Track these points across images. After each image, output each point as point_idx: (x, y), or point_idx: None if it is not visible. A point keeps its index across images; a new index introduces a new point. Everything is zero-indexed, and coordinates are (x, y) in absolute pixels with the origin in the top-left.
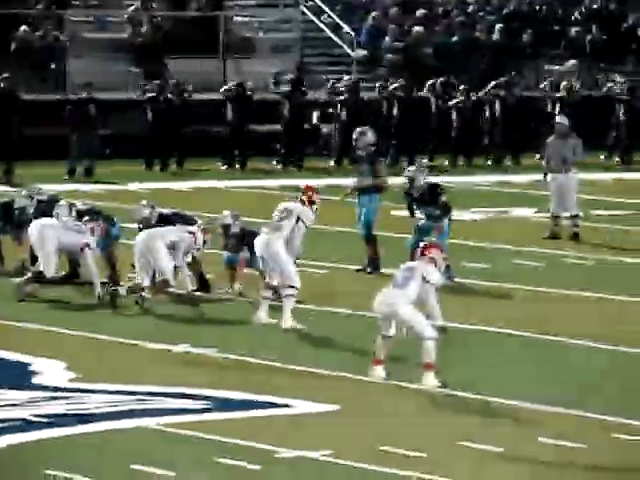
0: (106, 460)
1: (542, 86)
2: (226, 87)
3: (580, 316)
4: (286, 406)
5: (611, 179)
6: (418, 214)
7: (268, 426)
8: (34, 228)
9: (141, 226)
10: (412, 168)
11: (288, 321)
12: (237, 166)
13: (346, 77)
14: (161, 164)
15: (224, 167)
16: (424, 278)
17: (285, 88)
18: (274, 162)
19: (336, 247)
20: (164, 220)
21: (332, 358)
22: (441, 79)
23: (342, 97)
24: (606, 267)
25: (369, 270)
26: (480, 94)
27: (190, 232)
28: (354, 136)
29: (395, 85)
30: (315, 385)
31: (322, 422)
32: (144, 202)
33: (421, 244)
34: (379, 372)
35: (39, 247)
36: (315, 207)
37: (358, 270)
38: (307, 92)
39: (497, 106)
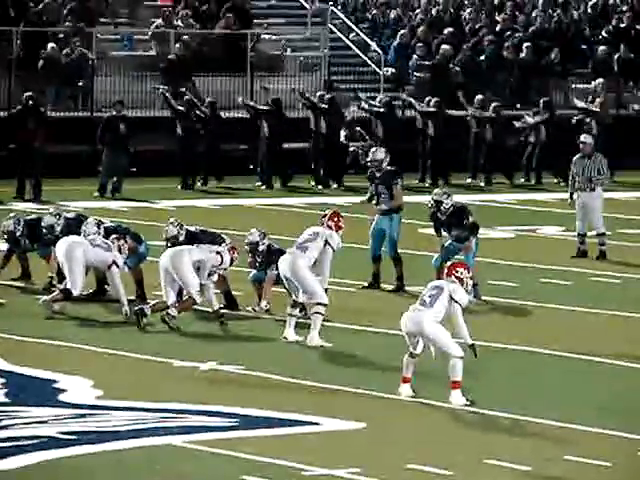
0: (132, 478)
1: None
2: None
3: (607, 335)
4: (313, 424)
5: (636, 197)
6: (445, 234)
7: (295, 444)
8: (61, 245)
9: (169, 244)
10: (438, 191)
11: (315, 339)
12: (262, 185)
13: (380, 96)
14: (191, 181)
15: (259, 184)
16: (451, 297)
17: (323, 105)
18: (312, 182)
19: (350, 263)
20: (192, 238)
21: (358, 376)
22: (479, 96)
23: (379, 113)
24: (634, 286)
25: (394, 288)
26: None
27: (217, 252)
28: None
29: (430, 106)
30: (342, 403)
31: (349, 440)
32: (172, 220)
33: (448, 263)
34: (406, 390)
35: (66, 264)
36: (341, 232)
37: (364, 287)
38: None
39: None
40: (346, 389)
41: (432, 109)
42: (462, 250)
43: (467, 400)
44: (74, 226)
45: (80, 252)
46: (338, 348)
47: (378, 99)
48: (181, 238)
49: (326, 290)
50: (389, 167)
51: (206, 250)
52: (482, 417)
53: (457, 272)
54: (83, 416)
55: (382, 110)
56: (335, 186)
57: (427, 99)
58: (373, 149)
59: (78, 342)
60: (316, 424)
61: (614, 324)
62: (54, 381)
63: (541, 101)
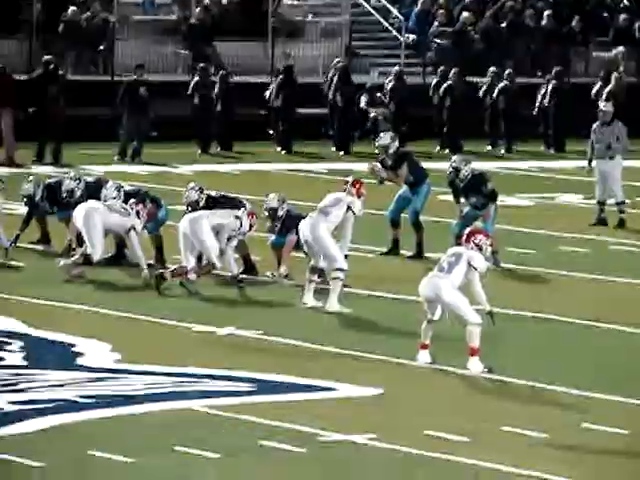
0: (150, 441)
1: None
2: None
3: (626, 303)
4: (330, 389)
5: None
6: (463, 201)
7: (312, 409)
8: (80, 211)
9: (189, 209)
10: (457, 158)
11: (334, 304)
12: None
13: (395, 68)
14: (206, 146)
15: (279, 149)
16: (469, 264)
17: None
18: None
19: (372, 231)
20: (212, 202)
21: (377, 342)
22: (492, 68)
23: (390, 85)
24: None
25: (413, 255)
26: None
27: (236, 216)
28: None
29: (451, 72)
30: (359, 368)
31: (366, 406)
32: (192, 184)
33: (467, 230)
34: (425, 356)
35: (85, 229)
36: (363, 199)
37: (383, 253)
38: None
39: (547, 92)
40: (363, 355)
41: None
42: (481, 217)
43: (485, 367)
44: (94, 190)
45: (98, 218)
46: (357, 314)
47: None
48: (201, 203)
49: (346, 256)
50: (398, 149)
51: (225, 215)
52: (500, 384)
53: (476, 239)
54: (101, 380)
55: (392, 83)
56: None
57: (441, 69)
58: (381, 134)
59: (96, 306)
60: (333, 389)
61: (632, 292)
62: (72, 345)
63: (554, 69)
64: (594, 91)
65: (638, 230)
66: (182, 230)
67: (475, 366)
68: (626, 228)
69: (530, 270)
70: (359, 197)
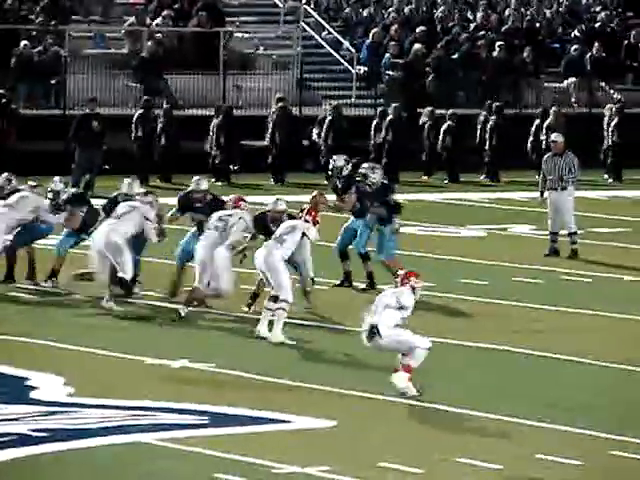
0: (103, 475)
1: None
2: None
3: (576, 333)
4: (284, 421)
5: (606, 196)
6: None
7: (266, 441)
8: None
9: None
10: (366, 164)
11: (278, 335)
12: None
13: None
14: (145, 178)
15: (214, 181)
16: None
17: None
18: (271, 180)
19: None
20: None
21: (330, 373)
22: (427, 109)
23: (328, 118)
24: (605, 284)
25: (365, 287)
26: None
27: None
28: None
29: (392, 107)
30: (313, 400)
31: (320, 438)
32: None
33: (401, 273)
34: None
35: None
36: (318, 226)
37: (335, 285)
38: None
39: (490, 124)
40: (317, 387)
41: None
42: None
43: (418, 389)
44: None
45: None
46: (309, 346)
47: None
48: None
49: (313, 280)
50: (351, 174)
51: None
52: (454, 416)
53: (410, 280)
54: (54, 413)
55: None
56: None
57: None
58: (334, 157)
59: (49, 339)
60: (287, 422)
61: (584, 323)
62: (26, 378)
63: (491, 103)
64: (533, 128)
65: (590, 260)
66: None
67: (400, 381)
68: (578, 258)
69: (482, 301)
70: (315, 224)
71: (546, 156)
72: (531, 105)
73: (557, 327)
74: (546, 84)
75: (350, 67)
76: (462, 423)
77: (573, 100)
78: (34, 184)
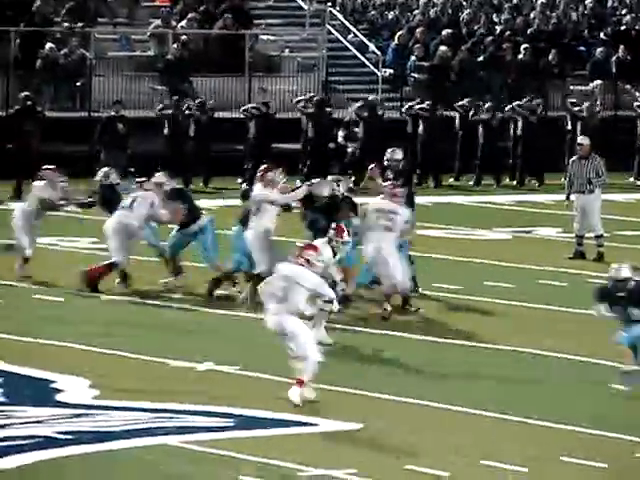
0: (128, 478)
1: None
2: (244, 107)
3: (602, 336)
4: (310, 424)
5: (635, 199)
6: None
7: (291, 444)
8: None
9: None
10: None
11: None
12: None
13: (370, 96)
14: (184, 183)
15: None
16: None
17: (310, 109)
18: (297, 181)
19: None
20: None
21: (358, 376)
22: (468, 99)
23: (364, 115)
24: None
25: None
26: (505, 113)
27: None
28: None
29: (421, 105)
30: (340, 403)
31: (346, 440)
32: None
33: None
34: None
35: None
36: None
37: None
38: (331, 112)
39: (520, 125)
40: (344, 389)
41: (424, 112)
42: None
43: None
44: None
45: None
46: (338, 348)
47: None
48: None
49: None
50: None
51: None
52: (477, 418)
53: (305, 254)
54: (80, 416)
55: (365, 114)
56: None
57: (417, 100)
58: (390, 149)
59: (75, 342)
60: (313, 424)
61: (608, 326)
62: (51, 381)
63: (524, 101)
64: (569, 127)
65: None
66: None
67: (294, 395)
68: (604, 261)
69: (508, 304)
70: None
71: (572, 159)
72: (557, 107)
73: (582, 330)
74: (571, 87)
75: (375, 70)
76: (485, 426)
77: (599, 102)
78: (141, 180)
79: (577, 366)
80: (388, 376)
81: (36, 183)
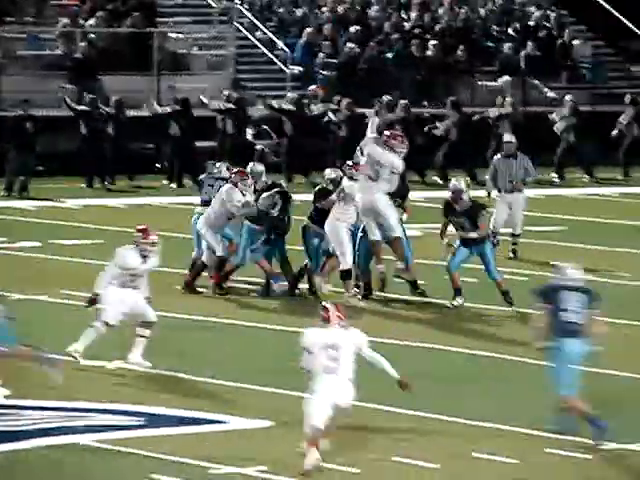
0: (38, 478)
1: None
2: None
3: (515, 332)
4: (220, 422)
5: (544, 195)
6: None
7: (202, 442)
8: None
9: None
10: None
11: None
12: (171, 184)
13: (289, 94)
14: (98, 181)
15: (167, 183)
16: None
17: (227, 104)
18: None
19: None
20: None
21: (266, 373)
22: (387, 97)
23: (289, 112)
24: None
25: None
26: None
27: None
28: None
29: (344, 102)
30: (248, 401)
31: (256, 438)
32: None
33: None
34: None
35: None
36: None
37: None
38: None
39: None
40: (253, 387)
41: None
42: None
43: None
44: None
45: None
46: (245, 347)
47: (287, 97)
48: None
49: None
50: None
51: None
52: (388, 414)
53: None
54: None
55: (291, 108)
56: None
57: (336, 99)
58: (251, 164)
59: None
60: (223, 422)
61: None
62: None
63: (448, 101)
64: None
65: (529, 260)
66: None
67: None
68: (518, 259)
69: (419, 300)
70: None
71: (497, 157)
72: (466, 103)
73: (489, 327)
74: (480, 83)
75: (284, 67)
76: (397, 421)
77: (508, 98)
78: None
79: (495, 363)
80: (295, 374)
81: None
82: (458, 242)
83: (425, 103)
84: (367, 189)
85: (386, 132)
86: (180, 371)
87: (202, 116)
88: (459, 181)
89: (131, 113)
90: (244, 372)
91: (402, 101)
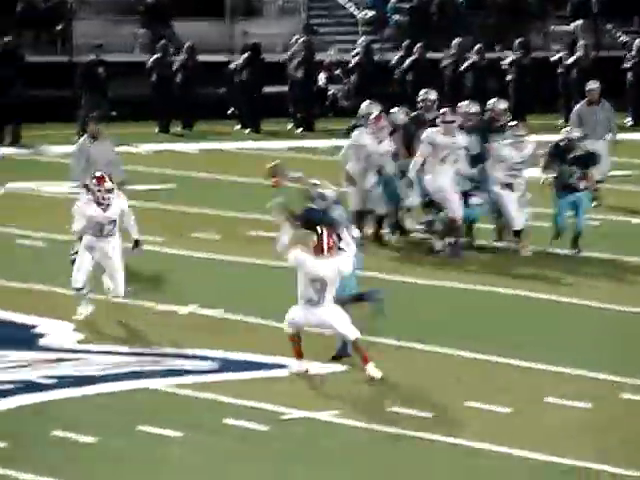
0: (113, 421)
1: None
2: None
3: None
4: (295, 367)
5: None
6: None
7: (275, 386)
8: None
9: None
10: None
11: None
12: (243, 129)
13: (361, 39)
14: (168, 126)
15: (239, 128)
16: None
17: (296, 50)
18: (289, 125)
19: None
20: None
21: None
22: (458, 40)
23: (356, 59)
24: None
25: None
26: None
27: None
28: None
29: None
30: (324, 345)
31: (330, 382)
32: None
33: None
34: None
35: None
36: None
37: None
38: (315, 54)
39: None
40: (328, 331)
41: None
42: None
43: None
44: None
45: None
46: None
47: (358, 42)
48: None
49: None
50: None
51: None
52: (463, 360)
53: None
54: (64, 360)
55: (358, 57)
56: (301, 130)
57: (405, 43)
58: (424, 90)
59: (60, 286)
60: (298, 367)
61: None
62: (34, 325)
63: (516, 41)
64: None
65: (611, 206)
66: None
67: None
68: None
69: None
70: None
71: (579, 105)
72: (538, 48)
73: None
74: (552, 27)
75: (356, 12)
76: (472, 367)
77: (581, 42)
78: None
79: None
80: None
81: None
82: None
83: (497, 48)
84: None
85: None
86: (253, 315)
87: (272, 62)
88: (574, 130)
89: (203, 58)
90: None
91: (476, 46)
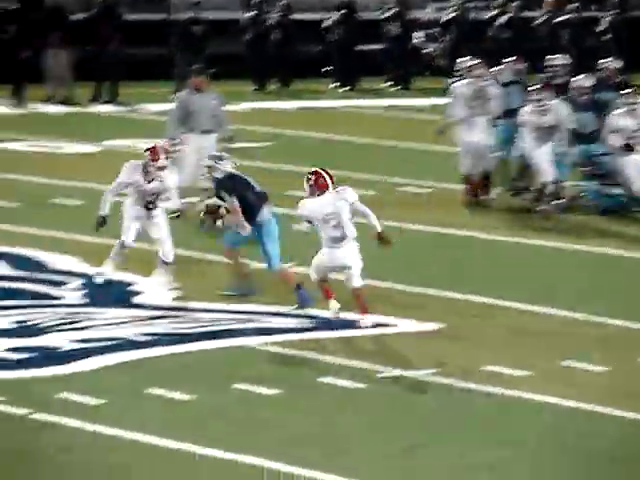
0: (209, 379)
1: None
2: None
3: None
4: (390, 325)
5: None
6: None
7: (371, 345)
8: None
9: None
10: None
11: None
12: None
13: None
14: (265, 84)
15: (335, 86)
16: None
17: (392, 8)
18: (384, 82)
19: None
20: None
21: (433, 278)
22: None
23: (450, 17)
24: None
25: None
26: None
27: None
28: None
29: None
30: (418, 304)
31: (426, 341)
32: None
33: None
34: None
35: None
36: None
37: None
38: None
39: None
40: (424, 291)
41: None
42: None
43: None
44: None
45: None
46: (420, 252)
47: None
48: None
49: None
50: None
51: None
52: (556, 319)
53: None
54: (160, 317)
55: (454, 15)
56: (397, 88)
57: (500, 1)
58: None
59: (155, 244)
60: (393, 325)
61: None
62: (131, 283)
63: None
64: None
65: None
66: None
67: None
68: None
69: None
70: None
71: None
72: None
73: None
74: None
75: None
76: (565, 327)
77: None
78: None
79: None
80: (466, 277)
81: None
82: None
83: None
84: None
85: None
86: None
87: (367, 20)
88: None
89: (299, 16)
90: (418, 276)
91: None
